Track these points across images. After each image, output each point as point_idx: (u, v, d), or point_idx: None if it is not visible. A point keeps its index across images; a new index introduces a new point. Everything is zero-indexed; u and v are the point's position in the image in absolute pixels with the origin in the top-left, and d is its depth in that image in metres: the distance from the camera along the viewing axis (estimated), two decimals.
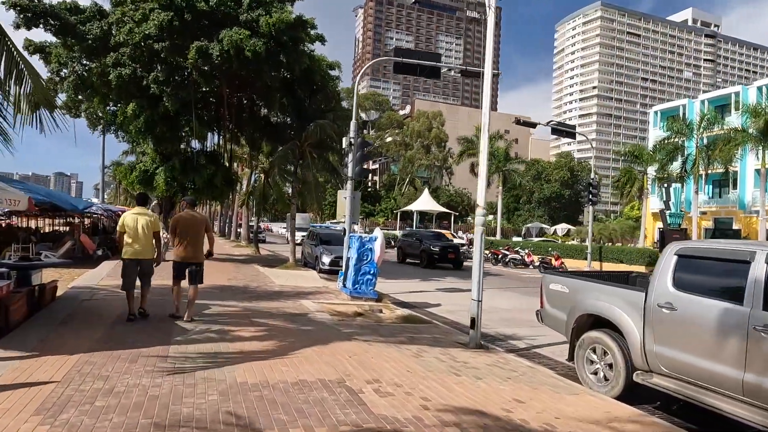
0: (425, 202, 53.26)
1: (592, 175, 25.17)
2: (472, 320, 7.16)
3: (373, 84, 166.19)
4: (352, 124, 13.38)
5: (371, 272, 10.92)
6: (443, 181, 75.73)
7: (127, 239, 7.26)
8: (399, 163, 67.31)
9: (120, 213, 26.39)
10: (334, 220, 69.51)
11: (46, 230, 26.94)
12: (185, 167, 17.21)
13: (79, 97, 18.76)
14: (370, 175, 61.47)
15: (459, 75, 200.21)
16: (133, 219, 7.30)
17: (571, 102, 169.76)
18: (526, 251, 26.47)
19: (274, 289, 11.96)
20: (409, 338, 7.41)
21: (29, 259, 8.58)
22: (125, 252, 7.33)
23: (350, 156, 13.12)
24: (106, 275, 12.86)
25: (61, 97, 17.23)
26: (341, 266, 19.06)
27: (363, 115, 67.85)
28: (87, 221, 23.04)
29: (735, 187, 38.49)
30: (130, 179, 17.16)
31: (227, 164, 18.89)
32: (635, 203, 69.70)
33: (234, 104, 18.24)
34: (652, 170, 39.91)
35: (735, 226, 36.92)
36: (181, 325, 7.26)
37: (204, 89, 17.11)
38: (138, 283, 7.57)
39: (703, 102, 43.17)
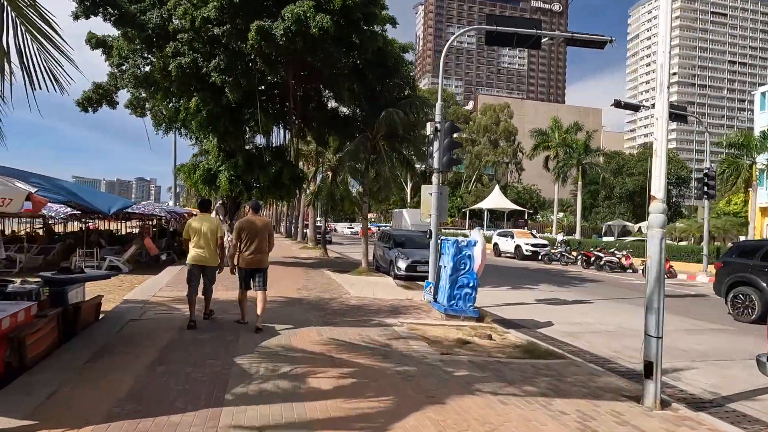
0: (496, 200, 50.33)
1: (707, 164, 21.54)
2: (648, 366, 4.87)
3: (434, 81, 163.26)
4: (438, 106, 11.31)
5: (470, 285, 8.80)
6: (512, 177, 72.01)
7: (191, 245, 7.26)
8: (465, 160, 64.43)
9: (186, 215, 25.91)
10: None
11: (123, 233, 26.99)
12: (250, 164, 15.85)
13: (143, 94, 18.01)
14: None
15: (524, 68, 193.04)
16: (198, 225, 7.29)
17: (647, 91, 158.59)
18: (624, 253, 23.23)
19: (350, 303, 10.11)
20: (551, 387, 5.23)
21: (69, 271, 7.17)
22: (190, 258, 7.33)
23: (435, 144, 11.07)
24: (165, 285, 11.54)
25: (124, 95, 16.46)
26: (419, 272, 17.22)
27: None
28: (152, 223, 22.52)
29: None
30: (194, 179, 16.05)
31: (293, 161, 17.39)
32: (732, 197, 62.91)
33: (300, 96, 16.70)
34: (762, 159, 35.06)
35: None
36: (241, 364, 5.49)
37: (268, 79, 15.65)
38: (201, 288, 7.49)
39: None
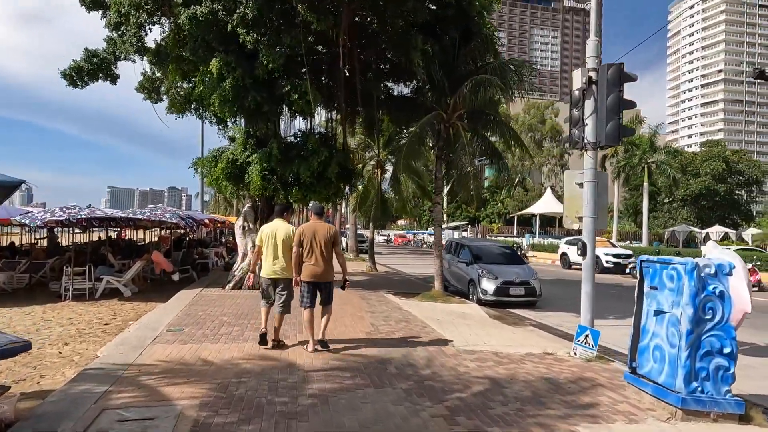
0: (548, 204, 45.52)
1: None
2: None
3: None
4: (590, 44, 7.13)
5: (725, 350, 4.56)
6: (557, 180, 66.89)
7: (263, 256, 6.57)
8: (508, 161, 59.66)
9: (207, 222, 22.18)
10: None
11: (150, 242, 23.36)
12: (287, 154, 11.91)
13: (156, 72, 14.33)
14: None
15: (557, 69, 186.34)
16: (271, 232, 6.59)
17: (690, 89, 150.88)
18: (750, 266, 18.41)
19: (466, 369, 5.90)
20: None
21: None
22: (262, 270, 6.61)
23: (589, 103, 6.89)
24: (168, 326, 7.57)
25: (128, 72, 12.79)
26: (512, 296, 12.97)
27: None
28: (165, 233, 18.89)
29: None
30: (215, 174, 12.22)
31: (344, 148, 13.35)
32: None
33: (355, 62, 12.70)
34: None
35: None
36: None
37: (310, 40, 11.75)
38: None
39: None
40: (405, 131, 13.53)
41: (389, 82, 14.93)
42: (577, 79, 7.04)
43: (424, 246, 52.92)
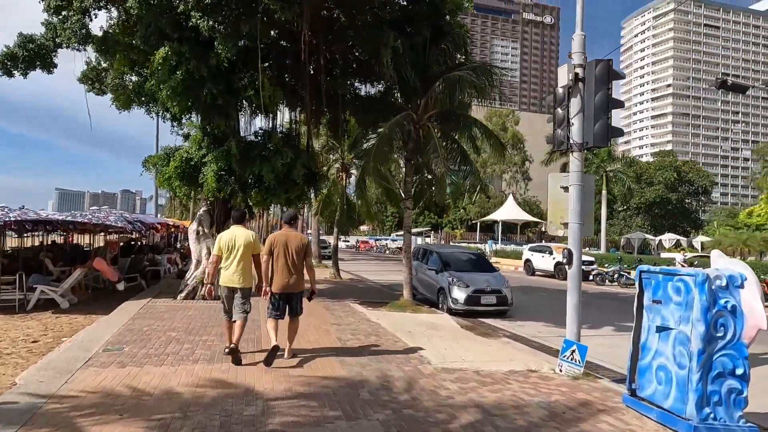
0: (509, 211, 45.92)
1: None
2: None
3: None
4: (576, 38, 6.69)
5: (737, 371, 4.12)
6: (518, 187, 67.90)
7: (222, 265, 6.20)
8: (462, 171, 59.90)
9: (158, 226, 20.81)
10: (400, 232, 62.93)
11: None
12: (247, 154, 11.04)
13: (102, 63, 13.17)
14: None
15: (517, 79, 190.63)
16: (230, 239, 6.20)
17: (642, 102, 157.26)
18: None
19: (447, 392, 5.28)
20: None
21: None
22: (221, 279, 6.21)
23: (575, 102, 6.45)
24: (104, 346, 6.60)
25: (68, 59, 11.61)
26: (483, 306, 12.50)
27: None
28: (114, 237, 17.51)
29: None
30: (166, 174, 11.19)
31: (308, 149, 12.55)
32: (753, 209, 59.30)
33: (321, 58, 11.96)
34: None
35: None
36: None
37: (279, 20, 10.91)
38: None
39: None
40: (372, 133, 12.89)
41: (357, 81, 14.27)
42: (563, 76, 6.59)
43: (387, 252, 52.40)
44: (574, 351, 6.23)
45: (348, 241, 64.21)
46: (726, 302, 4.14)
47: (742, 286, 4.23)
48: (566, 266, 6.44)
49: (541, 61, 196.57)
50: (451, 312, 11.73)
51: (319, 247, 25.94)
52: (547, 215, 6.83)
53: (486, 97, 11.03)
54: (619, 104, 6.46)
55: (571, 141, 6.48)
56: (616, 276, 21.70)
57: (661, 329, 4.48)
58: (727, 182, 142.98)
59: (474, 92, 10.89)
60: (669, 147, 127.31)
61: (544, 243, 30.98)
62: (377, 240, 61.45)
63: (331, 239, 23.45)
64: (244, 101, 11.42)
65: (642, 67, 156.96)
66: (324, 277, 18.53)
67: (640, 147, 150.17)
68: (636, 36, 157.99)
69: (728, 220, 65.82)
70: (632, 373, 4.77)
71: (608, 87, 6.33)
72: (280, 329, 6.20)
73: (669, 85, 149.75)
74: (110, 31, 11.79)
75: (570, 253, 6.34)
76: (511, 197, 47.68)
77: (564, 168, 47.38)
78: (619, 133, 6.63)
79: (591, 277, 22.74)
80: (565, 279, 22.51)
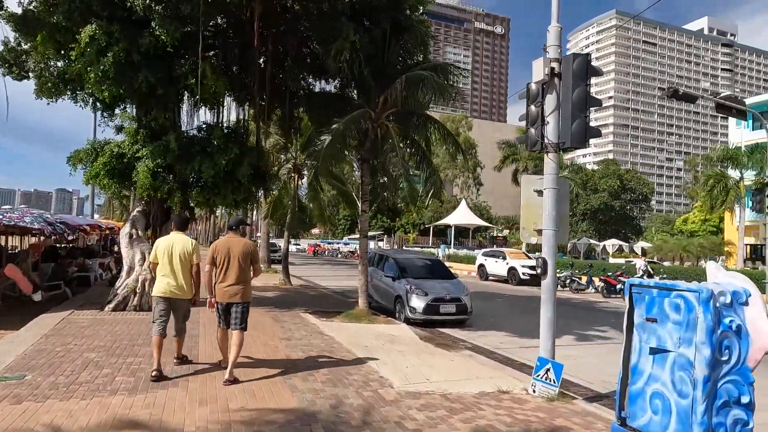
0: (463, 216, 46.15)
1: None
2: None
3: None
4: (552, 30, 6.22)
5: (743, 398, 3.66)
6: (469, 192, 68.63)
7: (158, 273, 5.86)
8: (423, 173, 60.00)
9: (87, 229, 19.03)
10: (354, 236, 61.98)
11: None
12: (188, 150, 10.00)
13: (21, 44, 11.70)
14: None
15: (468, 86, 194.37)
16: (168, 246, 5.89)
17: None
18: (646, 278, 19.05)
19: (407, 425, 4.55)
20: None
21: None
22: (156, 288, 5.88)
23: (550, 99, 5.97)
24: (3, 371, 5.47)
25: None
26: (443, 314, 11.93)
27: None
28: (38, 239, 15.77)
29: None
30: (94, 170, 9.95)
31: (257, 147, 11.56)
32: (688, 216, 62.51)
33: (270, 46, 11.05)
34: (750, 175, 33.51)
35: None
36: None
37: (227, 3, 9.96)
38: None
39: None
40: (326, 131, 12.10)
41: (311, 77, 13.46)
42: (538, 71, 6.08)
43: (339, 256, 51.49)
44: (548, 370, 5.71)
45: (299, 245, 62.76)
46: (731, 322, 3.68)
47: (746, 303, 3.79)
48: (540, 276, 5.91)
49: (491, 70, 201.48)
50: (409, 322, 11.09)
51: (268, 251, 24.75)
52: (521, 221, 6.28)
53: (447, 97, 10.48)
54: (597, 102, 6.03)
55: (546, 141, 5.98)
56: (567, 281, 21.85)
57: (657, 351, 3.98)
58: (662, 191, 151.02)
59: (435, 91, 10.31)
60: (611, 156, 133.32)
61: (497, 248, 31.04)
62: (329, 243, 60.37)
63: (281, 243, 22.37)
64: (185, 92, 10.35)
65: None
66: (273, 284, 17.50)
67: (584, 155, 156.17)
68: (581, 49, 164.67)
69: (664, 226, 69.20)
70: (622, 398, 4.25)
71: (587, 83, 5.87)
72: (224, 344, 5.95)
73: (611, 97, 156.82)
74: (31, 7, 10.44)
75: (545, 262, 5.81)
76: (464, 202, 48.01)
77: (515, 175, 48.27)
78: (597, 133, 6.20)
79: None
80: (518, 284, 22.44)
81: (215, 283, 5.78)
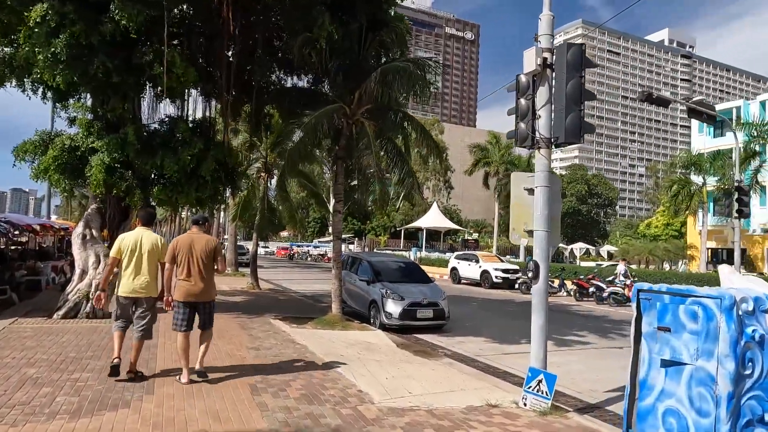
0: (434, 219, 46.04)
1: (741, 177, 17.95)
2: None
3: None
4: (543, 18, 5.86)
5: (765, 416, 3.32)
6: (440, 195, 68.79)
7: (123, 270, 5.53)
8: (394, 175, 59.75)
9: (35, 228, 17.79)
10: (324, 238, 61.10)
11: None
12: (148, 143, 9.27)
13: None
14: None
15: (438, 90, 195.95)
16: (134, 241, 5.53)
17: None
18: (628, 282, 19.13)
19: None
20: None
21: None
22: (121, 287, 5.51)
23: (542, 91, 5.61)
24: None
25: None
26: (419, 320, 11.48)
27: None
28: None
29: None
30: (43, 164, 9.09)
31: (224, 142, 10.87)
32: (651, 220, 64.22)
33: (240, 39, 10.39)
34: (712, 180, 34.46)
35: None
36: None
37: (185, 10, 9.34)
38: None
39: (763, 103, 37.95)
40: (297, 126, 11.53)
41: (282, 72, 12.85)
42: (529, 61, 5.71)
43: (309, 259, 50.58)
44: (540, 381, 5.31)
45: (267, 248, 61.45)
46: (754, 331, 3.34)
47: (767, 311, 3.45)
48: (532, 281, 5.52)
49: (461, 75, 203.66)
50: (385, 328, 10.59)
51: (236, 254, 23.84)
52: (511, 221, 5.88)
53: (425, 93, 10.08)
54: (591, 96, 5.70)
55: (538, 136, 5.60)
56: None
57: (670, 364, 3.61)
58: (625, 196, 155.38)
59: (411, 85, 9.88)
60: (576, 161, 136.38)
61: (469, 251, 30.91)
62: (298, 246, 59.35)
63: (249, 245, 21.55)
64: (147, 82, 9.60)
65: None
66: (240, 287, 16.72)
67: (552, 161, 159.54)
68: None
69: (627, 230, 70.97)
70: (630, 416, 3.87)
71: (581, 75, 5.53)
72: (192, 345, 5.60)
73: None
74: None
75: (536, 265, 5.42)
76: (435, 205, 47.93)
77: (486, 178, 48.42)
78: (591, 128, 5.86)
79: (516, 286, 22.73)
80: (491, 288, 22.17)
81: (177, 281, 5.53)
